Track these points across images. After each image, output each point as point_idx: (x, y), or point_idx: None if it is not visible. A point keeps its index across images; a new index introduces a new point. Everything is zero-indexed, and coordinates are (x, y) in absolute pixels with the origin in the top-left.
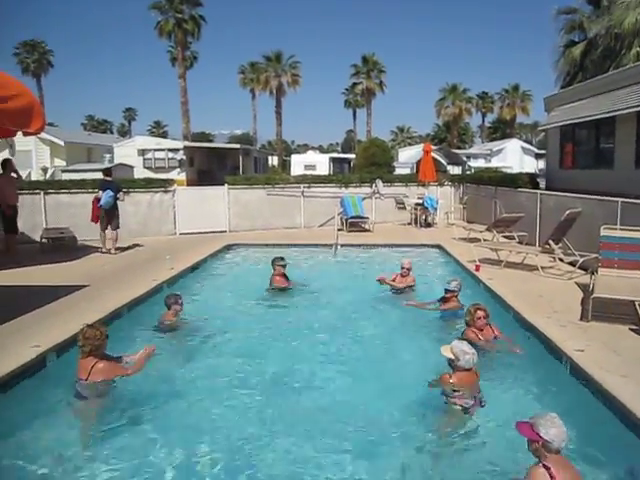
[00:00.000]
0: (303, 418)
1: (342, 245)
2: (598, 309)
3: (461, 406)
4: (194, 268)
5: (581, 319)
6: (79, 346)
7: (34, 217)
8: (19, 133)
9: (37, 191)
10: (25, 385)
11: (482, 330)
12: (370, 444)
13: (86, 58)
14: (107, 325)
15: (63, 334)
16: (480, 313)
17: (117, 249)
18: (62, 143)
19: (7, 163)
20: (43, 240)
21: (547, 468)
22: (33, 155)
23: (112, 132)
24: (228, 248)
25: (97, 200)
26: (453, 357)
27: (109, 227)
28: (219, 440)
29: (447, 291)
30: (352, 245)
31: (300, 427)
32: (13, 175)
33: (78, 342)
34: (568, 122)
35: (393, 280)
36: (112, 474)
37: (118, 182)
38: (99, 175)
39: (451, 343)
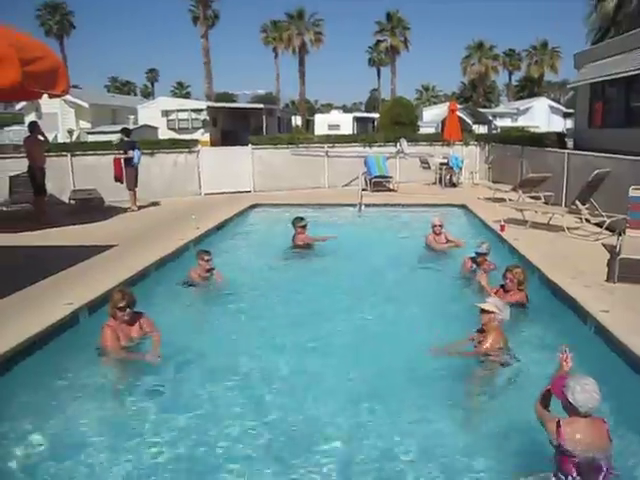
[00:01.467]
0: (327, 377)
1: (366, 205)
2: (625, 270)
3: (500, 362)
4: (220, 227)
5: (607, 280)
6: None
7: (62, 179)
8: (45, 95)
9: (64, 153)
10: (59, 341)
11: (507, 292)
12: (401, 397)
13: (107, 19)
14: (135, 283)
15: (94, 292)
16: (509, 275)
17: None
18: (87, 105)
19: (34, 126)
20: (71, 201)
21: (558, 425)
22: (59, 117)
23: (135, 94)
24: (253, 208)
25: (125, 160)
26: (496, 310)
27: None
28: (243, 394)
29: (478, 254)
30: (376, 205)
31: (325, 385)
32: (40, 138)
33: None
34: (599, 79)
35: (433, 242)
36: (138, 428)
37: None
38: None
39: (487, 300)
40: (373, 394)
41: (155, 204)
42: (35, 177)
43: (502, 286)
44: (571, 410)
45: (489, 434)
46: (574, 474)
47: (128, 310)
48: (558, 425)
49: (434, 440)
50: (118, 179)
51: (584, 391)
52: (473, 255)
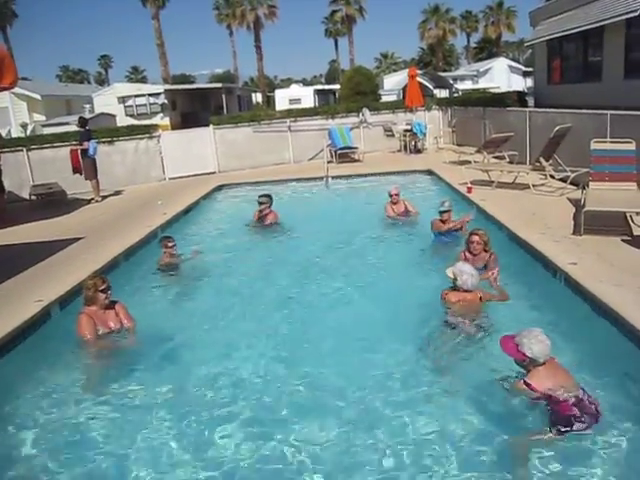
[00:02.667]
0: (307, 346)
1: (333, 177)
2: (590, 223)
3: (451, 324)
4: (187, 211)
5: (574, 233)
6: None
7: (20, 174)
8: None
9: (19, 148)
10: (31, 339)
11: (475, 256)
12: (371, 360)
13: (52, 5)
14: (105, 274)
15: (64, 287)
16: (474, 238)
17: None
18: (39, 97)
19: None
20: (32, 197)
21: (527, 384)
22: (10, 111)
23: (89, 82)
24: (219, 189)
25: (82, 151)
26: (452, 277)
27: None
28: (224, 373)
29: (442, 212)
30: (343, 176)
31: (299, 357)
32: None
33: None
34: (555, 35)
35: (390, 210)
36: (116, 423)
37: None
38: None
39: (455, 264)
40: (353, 365)
41: (119, 193)
42: None
43: (468, 250)
44: (530, 364)
45: (461, 403)
46: (576, 413)
47: (109, 292)
48: (526, 384)
49: (412, 412)
50: (76, 170)
51: (538, 342)
52: (438, 216)
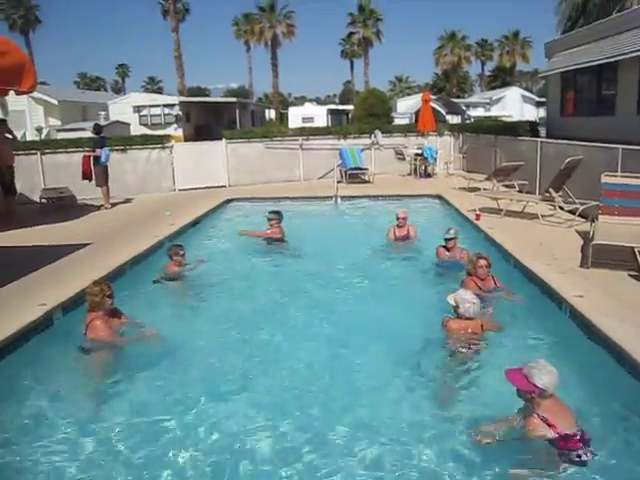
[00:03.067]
0: (304, 366)
1: (342, 197)
2: (598, 256)
3: (455, 350)
4: (195, 223)
5: (581, 266)
6: None
7: (32, 178)
8: (11, 92)
9: (33, 151)
10: (33, 343)
11: (483, 280)
12: (373, 386)
13: (75, 13)
14: (110, 281)
15: (68, 292)
16: (482, 262)
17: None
18: (56, 102)
19: (2, 123)
20: (42, 200)
21: (543, 418)
22: (27, 115)
23: (106, 89)
24: (228, 202)
25: (94, 158)
26: (454, 304)
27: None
28: (224, 384)
29: (448, 240)
30: (352, 197)
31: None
32: (8, 136)
33: None
34: (569, 68)
35: (392, 233)
36: (117, 427)
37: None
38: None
39: (456, 291)
40: (356, 379)
41: (129, 201)
42: (4, 176)
43: (476, 275)
44: (538, 396)
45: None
46: (581, 445)
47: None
48: (544, 420)
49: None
50: (86, 177)
51: (547, 372)
52: (443, 243)
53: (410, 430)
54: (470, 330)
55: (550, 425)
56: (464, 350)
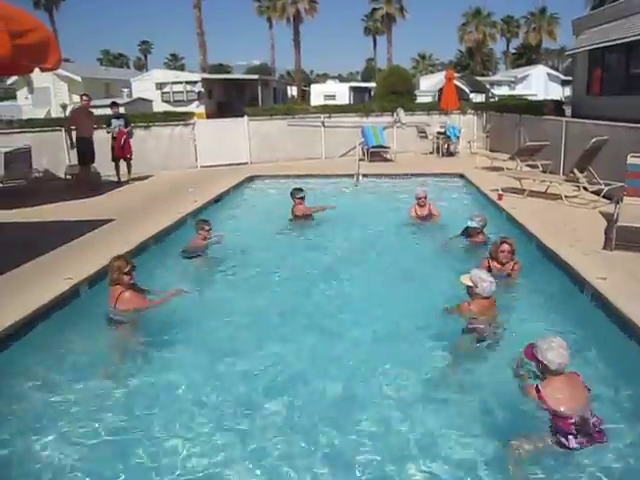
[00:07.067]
0: (322, 348)
1: (364, 175)
2: (622, 238)
3: (477, 334)
4: (217, 200)
5: (604, 248)
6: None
7: (57, 154)
8: (36, 70)
9: (58, 128)
10: (60, 315)
11: (503, 265)
12: (385, 367)
13: None
14: (134, 257)
15: (94, 267)
16: (505, 247)
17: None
18: (79, 79)
19: (82, 97)
20: (67, 177)
21: (538, 390)
22: (51, 92)
23: (129, 66)
24: (250, 180)
25: (127, 134)
26: (472, 284)
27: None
28: (242, 361)
29: (470, 229)
30: (374, 175)
31: (322, 349)
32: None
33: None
34: (597, 45)
35: (414, 212)
36: (138, 399)
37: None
38: (120, 111)
39: (471, 271)
40: (368, 358)
41: (154, 178)
42: (80, 147)
43: (496, 259)
44: (545, 370)
45: (474, 403)
46: (573, 431)
47: (133, 273)
48: (537, 390)
49: (421, 414)
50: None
51: (552, 348)
52: (467, 224)
53: (425, 396)
54: (488, 308)
55: (540, 398)
56: (486, 328)
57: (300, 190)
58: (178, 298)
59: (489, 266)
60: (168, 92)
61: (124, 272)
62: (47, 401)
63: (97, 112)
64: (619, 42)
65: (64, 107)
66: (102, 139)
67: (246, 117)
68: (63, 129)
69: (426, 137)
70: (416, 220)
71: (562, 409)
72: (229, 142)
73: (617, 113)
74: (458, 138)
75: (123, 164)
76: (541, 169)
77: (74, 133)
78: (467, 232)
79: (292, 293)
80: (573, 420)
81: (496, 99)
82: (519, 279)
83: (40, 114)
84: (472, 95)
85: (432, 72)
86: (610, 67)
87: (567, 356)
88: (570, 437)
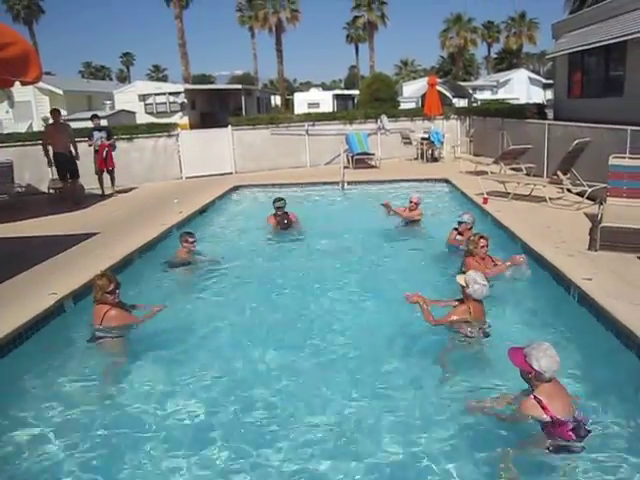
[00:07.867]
0: (313, 351)
1: (349, 182)
2: (606, 238)
3: (465, 335)
4: (202, 211)
5: (589, 249)
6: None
7: (40, 168)
8: (17, 83)
9: (40, 142)
10: (45, 331)
11: (483, 259)
12: (374, 372)
13: (77, 3)
14: (119, 270)
15: (78, 281)
16: (483, 242)
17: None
18: (61, 92)
19: (53, 113)
20: (50, 191)
21: (539, 400)
22: (33, 105)
23: (111, 78)
24: (235, 190)
25: (109, 146)
26: (464, 284)
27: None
28: (233, 371)
29: (460, 223)
30: (359, 182)
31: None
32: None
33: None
34: (576, 49)
35: (402, 211)
36: (127, 415)
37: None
38: (102, 123)
39: (467, 273)
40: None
41: (137, 190)
42: (57, 162)
43: (477, 255)
44: (536, 378)
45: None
46: (573, 437)
47: (118, 291)
48: (539, 402)
49: (408, 419)
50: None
51: (546, 356)
52: (455, 226)
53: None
54: (477, 311)
55: (543, 408)
56: (473, 333)
57: (279, 200)
58: (163, 312)
59: (477, 263)
60: (151, 103)
61: (107, 291)
62: (26, 422)
63: (80, 125)
64: (598, 45)
65: (46, 120)
66: (84, 152)
67: (230, 127)
68: (41, 145)
69: (410, 143)
70: (401, 216)
71: (560, 416)
72: (213, 152)
73: (598, 115)
74: (442, 143)
75: (107, 177)
76: (525, 172)
77: (50, 149)
78: (458, 230)
79: (278, 304)
80: (571, 426)
81: (479, 104)
82: (505, 280)
83: (21, 128)
84: (455, 100)
85: (415, 78)
86: (589, 70)
87: (559, 363)
88: (571, 441)
